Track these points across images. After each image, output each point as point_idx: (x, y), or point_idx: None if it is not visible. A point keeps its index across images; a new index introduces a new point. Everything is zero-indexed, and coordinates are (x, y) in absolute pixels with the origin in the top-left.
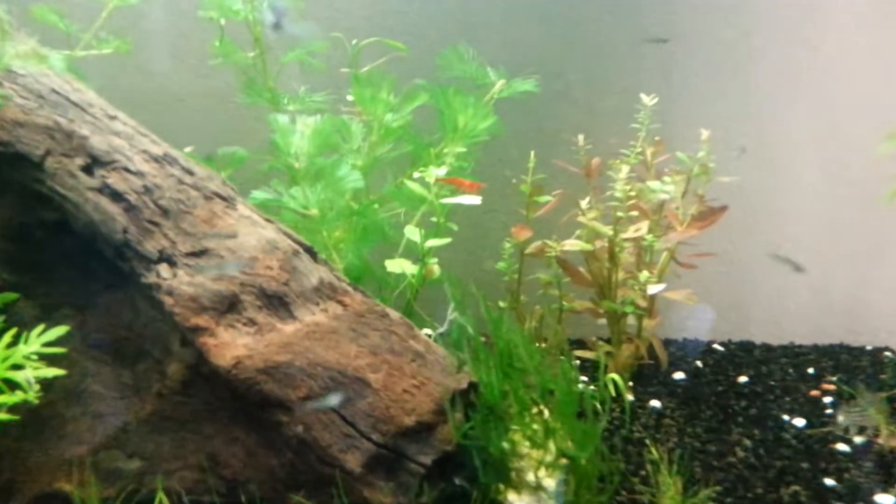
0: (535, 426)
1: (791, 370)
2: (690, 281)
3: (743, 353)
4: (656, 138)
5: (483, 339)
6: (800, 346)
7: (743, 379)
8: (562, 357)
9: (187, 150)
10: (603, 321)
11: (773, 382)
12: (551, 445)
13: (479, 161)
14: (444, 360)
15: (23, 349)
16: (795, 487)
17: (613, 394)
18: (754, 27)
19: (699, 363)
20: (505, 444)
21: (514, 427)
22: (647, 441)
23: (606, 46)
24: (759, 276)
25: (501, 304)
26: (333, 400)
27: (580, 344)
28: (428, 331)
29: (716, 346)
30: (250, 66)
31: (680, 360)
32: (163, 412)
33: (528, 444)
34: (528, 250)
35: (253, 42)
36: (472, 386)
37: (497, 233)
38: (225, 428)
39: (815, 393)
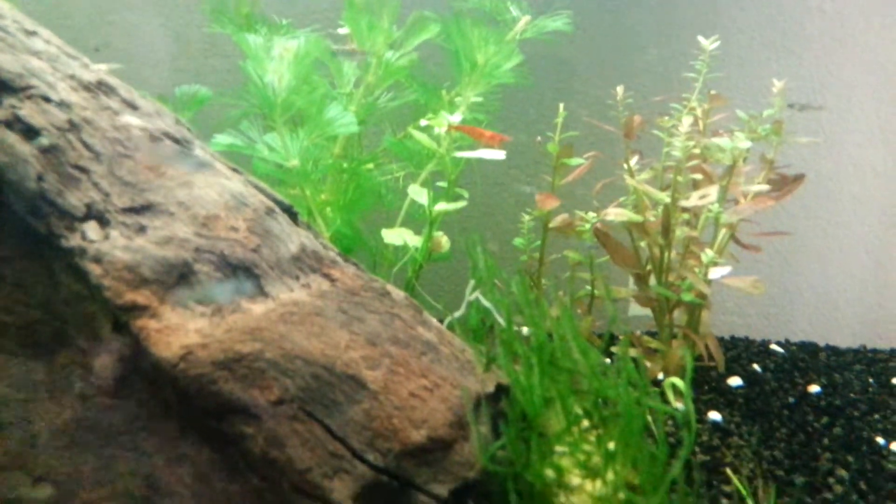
0: (588, 447)
1: (871, 380)
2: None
3: (807, 357)
4: (712, 92)
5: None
6: (874, 351)
7: (815, 389)
8: (621, 354)
9: (107, 67)
10: (640, 310)
11: (853, 395)
12: (611, 475)
13: (488, 124)
14: (462, 355)
15: None
16: None
17: (674, 403)
18: None
19: (757, 366)
20: (549, 472)
21: (561, 449)
22: (721, 467)
23: None
24: (811, 266)
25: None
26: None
27: (612, 339)
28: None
29: (773, 346)
30: None
31: (733, 363)
32: (85, 420)
33: (579, 472)
34: (553, 223)
35: None
36: (502, 390)
37: (505, 210)
38: (169, 442)
39: None
